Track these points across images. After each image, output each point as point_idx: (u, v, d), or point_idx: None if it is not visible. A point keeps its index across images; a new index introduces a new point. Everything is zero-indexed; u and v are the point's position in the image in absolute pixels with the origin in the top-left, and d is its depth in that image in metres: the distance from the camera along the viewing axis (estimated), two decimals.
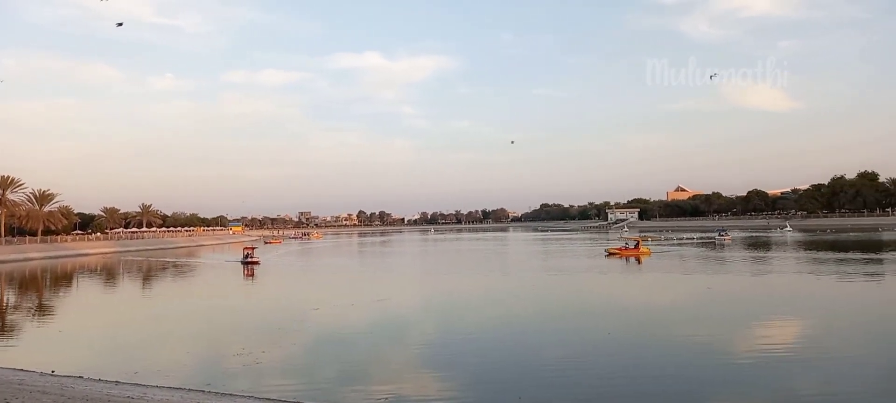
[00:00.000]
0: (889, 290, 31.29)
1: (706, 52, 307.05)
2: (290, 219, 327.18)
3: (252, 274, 49.97)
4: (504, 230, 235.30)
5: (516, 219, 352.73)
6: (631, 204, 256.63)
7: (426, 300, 32.86)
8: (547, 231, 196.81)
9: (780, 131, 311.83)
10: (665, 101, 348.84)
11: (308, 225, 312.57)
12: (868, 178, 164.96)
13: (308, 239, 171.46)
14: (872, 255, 51.69)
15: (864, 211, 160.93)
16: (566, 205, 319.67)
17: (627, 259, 55.36)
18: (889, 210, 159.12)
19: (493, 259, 67.80)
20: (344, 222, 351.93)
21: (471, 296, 33.80)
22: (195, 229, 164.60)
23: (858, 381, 14.17)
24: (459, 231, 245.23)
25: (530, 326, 22.71)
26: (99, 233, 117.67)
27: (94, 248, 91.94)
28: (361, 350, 18.82)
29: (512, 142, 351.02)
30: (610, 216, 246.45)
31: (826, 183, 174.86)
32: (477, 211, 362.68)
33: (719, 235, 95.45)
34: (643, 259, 55.28)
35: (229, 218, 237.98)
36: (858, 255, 52.10)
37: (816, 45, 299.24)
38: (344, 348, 19.27)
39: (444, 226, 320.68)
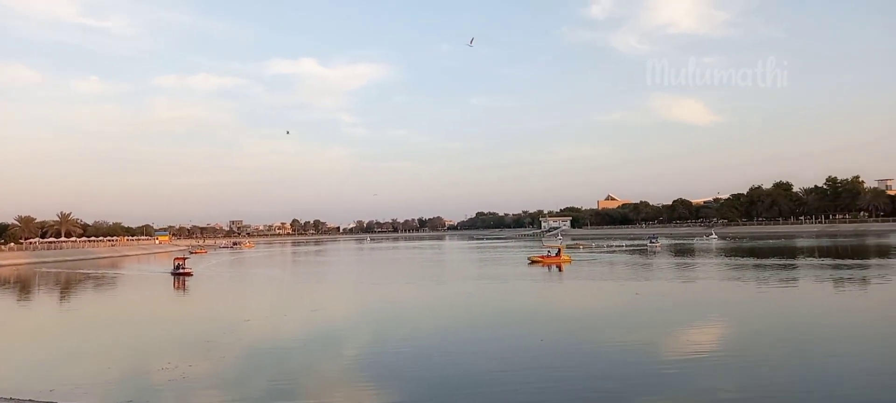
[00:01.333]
0: (801, 294, 33.10)
1: (635, 67, 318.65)
2: (221, 228, 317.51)
3: (183, 286, 48.03)
4: (440, 238, 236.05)
5: (452, 228, 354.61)
6: (564, 213, 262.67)
7: (361, 310, 32.51)
8: (482, 239, 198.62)
9: (704, 143, 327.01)
10: (596, 113, 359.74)
11: (240, 234, 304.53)
12: (783, 189, 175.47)
13: (239, 248, 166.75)
14: (787, 261, 54.69)
15: (780, 219, 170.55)
16: (501, 214, 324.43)
17: (549, 267, 55.93)
18: (802, 218, 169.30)
19: (428, 267, 67.82)
20: (277, 231, 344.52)
21: (406, 306, 33.65)
22: (119, 239, 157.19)
23: (774, 382, 14.88)
24: (396, 239, 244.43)
25: (465, 335, 22.83)
26: (12, 244, 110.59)
27: (5, 260, 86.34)
28: (294, 363, 18.41)
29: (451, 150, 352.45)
30: (543, 224, 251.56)
31: (745, 192, 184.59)
32: (413, 220, 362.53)
33: (651, 242, 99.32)
34: (564, 266, 55.96)
35: (156, 227, 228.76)
36: (775, 261, 55.00)
37: (737, 62, 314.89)
38: (276, 360, 18.78)
39: (381, 235, 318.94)
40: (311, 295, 40.90)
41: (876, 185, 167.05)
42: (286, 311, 31.78)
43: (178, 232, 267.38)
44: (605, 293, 36.39)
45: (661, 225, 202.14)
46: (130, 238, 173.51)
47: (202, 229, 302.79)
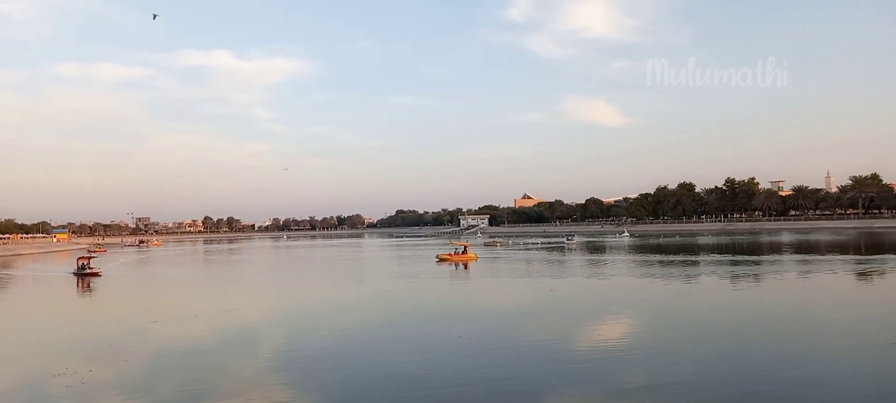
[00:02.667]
0: (703, 289, 35.09)
1: (551, 69, 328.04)
2: (127, 226, 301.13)
3: (87, 287, 44.93)
4: (359, 236, 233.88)
5: (372, 226, 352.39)
6: (482, 211, 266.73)
7: (277, 310, 31.70)
8: (402, 236, 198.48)
9: (615, 144, 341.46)
10: (515, 114, 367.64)
11: (147, 231, 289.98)
12: (687, 189, 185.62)
13: (147, 246, 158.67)
14: (691, 258, 57.89)
15: (684, 217, 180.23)
16: (421, 212, 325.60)
17: (456, 264, 56.11)
18: (704, 217, 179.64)
19: (346, 266, 67.07)
20: (188, 228, 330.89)
21: (323, 305, 33.11)
22: (11, 236, 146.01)
23: (678, 372, 15.68)
24: (313, 237, 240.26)
25: (384, 333, 22.71)
26: None
27: None
28: (205, 365, 17.69)
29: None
30: (462, 222, 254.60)
31: (652, 192, 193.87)
32: (332, 218, 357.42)
33: (567, 239, 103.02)
34: (470, 264, 56.22)
35: (53, 224, 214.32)
36: (680, 258, 58.10)
37: (645, 67, 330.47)
38: (185, 363, 18.00)
39: (298, 233, 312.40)
40: (224, 295, 39.50)
41: (769, 186, 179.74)
42: (197, 312, 30.53)
43: (79, 230, 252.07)
44: (520, 289, 37.18)
45: (574, 223, 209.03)
46: (25, 235, 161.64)
47: (106, 226, 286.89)
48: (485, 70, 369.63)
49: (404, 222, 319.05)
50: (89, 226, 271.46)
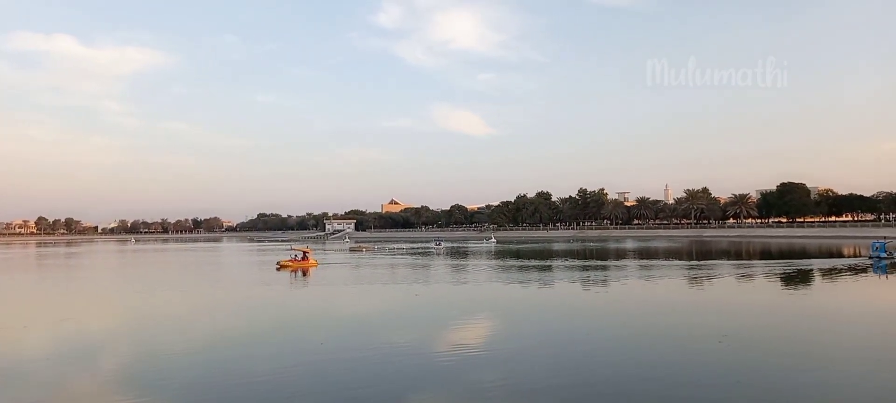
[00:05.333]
0: (557, 293, 37.30)
1: (420, 76, 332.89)
2: None
3: None
4: (217, 240, 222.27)
5: (231, 229, 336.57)
6: (349, 216, 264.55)
7: (122, 319, 29.35)
8: (264, 241, 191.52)
9: (479, 153, 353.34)
10: (383, 119, 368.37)
11: None
12: (544, 198, 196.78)
13: None
14: (547, 263, 61.31)
15: (541, 225, 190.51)
16: (285, 216, 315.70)
17: (295, 272, 53.55)
18: (559, 225, 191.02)
19: (199, 271, 63.61)
20: (18, 230, 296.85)
21: (173, 314, 31.17)
22: None
23: (531, 373, 16.64)
24: (166, 240, 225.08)
25: (240, 342, 21.75)
26: None
27: None
28: (38, 382, 16.06)
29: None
30: (328, 226, 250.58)
31: (512, 200, 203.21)
32: (187, 220, 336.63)
33: (436, 245, 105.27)
34: (311, 271, 54.18)
35: None
36: (538, 263, 61.35)
37: (508, 81, 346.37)
38: (12, 380, 16.25)
39: (148, 236, 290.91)
40: (60, 304, 35.93)
41: (617, 197, 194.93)
42: (28, 322, 27.56)
43: None
44: (386, 296, 37.32)
45: (439, 228, 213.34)
46: None
47: None
48: (354, 74, 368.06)
49: (266, 226, 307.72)
50: None
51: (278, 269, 56.25)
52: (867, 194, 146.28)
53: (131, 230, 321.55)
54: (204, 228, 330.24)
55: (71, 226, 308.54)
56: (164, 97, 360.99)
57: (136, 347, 21.11)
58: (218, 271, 63.98)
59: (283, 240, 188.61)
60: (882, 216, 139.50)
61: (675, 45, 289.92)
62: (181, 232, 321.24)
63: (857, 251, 71.80)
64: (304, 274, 51.66)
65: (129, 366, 18.01)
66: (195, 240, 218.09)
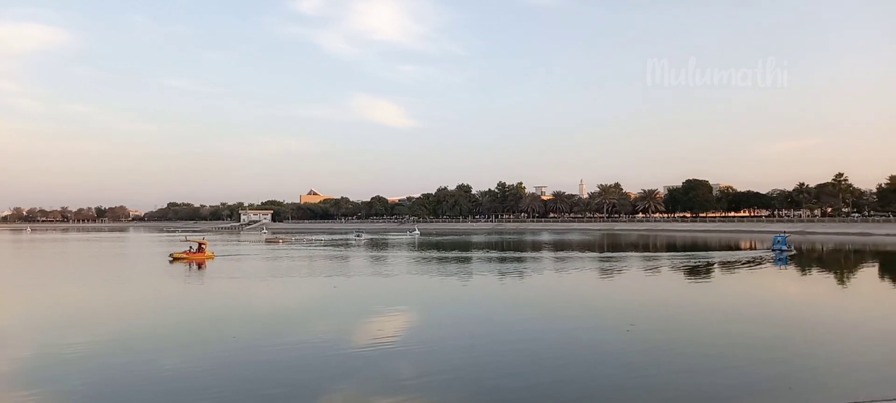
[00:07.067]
0: (476, 284, 37.85)
1: (340, 65, 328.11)
2: None
3: None
4: (123, 230, 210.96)
5: (139, 219, 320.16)
6: (265, 206, 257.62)
7: (15, 313, 27.30)
8: (174, 231, 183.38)
9: (399, 145, 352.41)
10: (301, 107, 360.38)
11: None
12: (464, 190, 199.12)
13: None
14: (466, 254, 62.16)
15: (461, 217, 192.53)
16: (197, 205, 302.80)
17: (190, 264, 51.56)
18: (479, 217, 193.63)
19: (101, 263, 60.23)
20: None
21: (75, 307, 29.38)
22: None
23: (448, 363, 16.79)
24: (66, 230, 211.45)
25: (149, 336, 20.66)
26: None
27: None
28: None
29: None
30: (243, 217, 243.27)
31: (433, 192, 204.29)
32: (90, 209, 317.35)
33: (357, 236, 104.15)
34: (207, 263, 52.23)
35: None
36: (458, 254, 62.14)
37: (429, 74, 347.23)
38: None
39: (46, 225, 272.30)
40: None
41: (534, 191, 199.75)
42: None
43: None
44: (302, 288, 36.66)
45: (359, 220, 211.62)
46: None
47: None
48: (271, 60, 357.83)
49: (177, 216, 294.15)
50: None
51: (172, 262, 53.35)
52: (763, 191, 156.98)
53: (27, 218, 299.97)
54: (108, 217, 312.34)
55: None
56: (67, 78, 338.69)
57: (31, 344, 19.67)
58: (119, 263, 60.69)
59: (195, 231, 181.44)
60: (776, 212, 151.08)
61: (585, 38, 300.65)
62: (83, 221, 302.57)
63: (754, 244, 76.92)
64: (200, 266, 49.48)
65: (23, 364, 16.77)
66: (98, 230, 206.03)
